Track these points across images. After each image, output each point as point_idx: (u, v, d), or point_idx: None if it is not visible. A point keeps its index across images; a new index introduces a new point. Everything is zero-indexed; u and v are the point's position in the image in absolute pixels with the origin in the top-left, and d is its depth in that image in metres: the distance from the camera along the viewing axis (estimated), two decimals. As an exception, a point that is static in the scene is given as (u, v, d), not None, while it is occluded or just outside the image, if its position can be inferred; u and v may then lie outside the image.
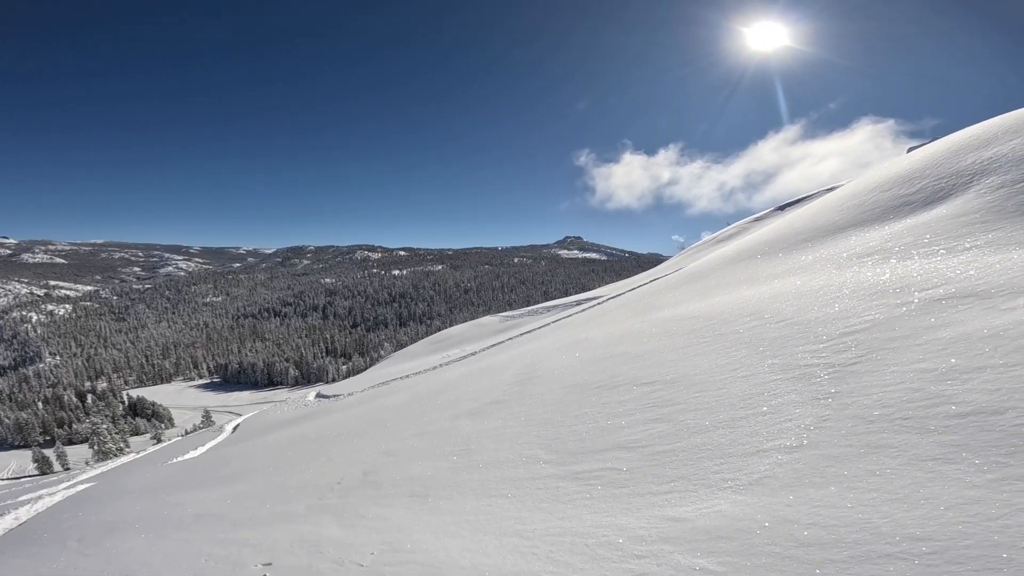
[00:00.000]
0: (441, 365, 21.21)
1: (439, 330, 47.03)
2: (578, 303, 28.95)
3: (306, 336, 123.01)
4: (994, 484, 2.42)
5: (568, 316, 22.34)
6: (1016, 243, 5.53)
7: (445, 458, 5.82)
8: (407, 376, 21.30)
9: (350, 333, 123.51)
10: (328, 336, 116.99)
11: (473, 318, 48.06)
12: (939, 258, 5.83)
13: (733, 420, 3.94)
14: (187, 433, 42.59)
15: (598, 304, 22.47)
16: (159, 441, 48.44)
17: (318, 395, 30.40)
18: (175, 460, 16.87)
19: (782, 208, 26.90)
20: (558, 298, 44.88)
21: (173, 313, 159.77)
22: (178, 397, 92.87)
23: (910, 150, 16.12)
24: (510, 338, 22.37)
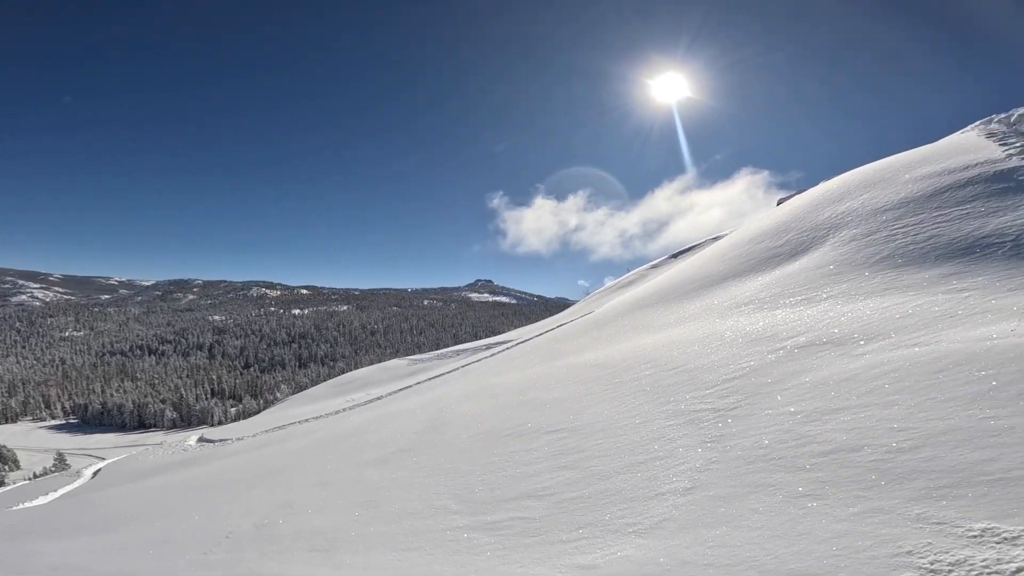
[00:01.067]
0: (345, 409, 20.14)
1: (343, 372, 44.68)
2: (488, 347, 29.01)
3: (187, 376, 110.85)
4: (857, 517, 2.67)
5: (478, 360, 22.28)
6: (864, 293, 6.42)
7: (350, 509, 5.47)
8: (307, 420, 19.99)
9: (241, 374, 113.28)
10: (214, 377, 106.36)
11: (380, 361, 46.35)
12: (802, 307, 6.62)
13: (634, 465, 4.09)
14: (35, 477, 37.40)
15: (507, 349, 22.67)
16: (1, 484, 41.10)
17: (201, 439, 27.42)
18: (20, 506, 14.59)
19: (675, 256, 29.26)
20: (468, 341, 44.63)
21: (23, 347, 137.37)
22: (26, 438, 79.13)
23: (779, 202, 18.32)
24: (418, 382, 21.81)
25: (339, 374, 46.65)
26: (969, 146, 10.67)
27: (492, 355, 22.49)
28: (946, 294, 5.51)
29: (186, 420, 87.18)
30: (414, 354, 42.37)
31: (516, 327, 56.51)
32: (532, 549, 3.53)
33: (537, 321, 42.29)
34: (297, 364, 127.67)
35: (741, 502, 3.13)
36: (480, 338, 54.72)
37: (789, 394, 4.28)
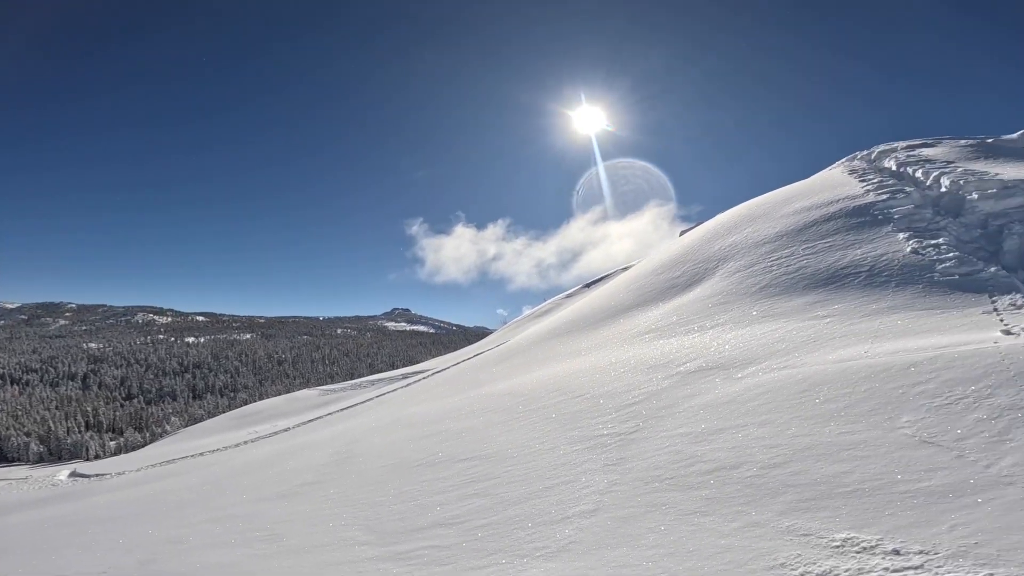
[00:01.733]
0: (247, 442, 18.62)
1: (246, 404, 41.39)
2: (404, 376, 28.29)
3: (56, 408, 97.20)
4: (739, 532, 2.87)
5: (393, 391, 21.64)
6: (746, 321, 7.04)
7: (249, 544, 5.03)
8: (202, 454, 18.23)
9: (122, 406, 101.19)
10: (89, 408, 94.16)
11: (288, 391, 43.51)
12: (694, 335, 7.14)
13: (542, 490, 4.16)
14: None
15: (424, 378, 22.24)
16: None
17: (74, 474, 24.06)
18: None
19: (588, 285, 30.48)
20: (384, 371, 43.26)
21: None
22: None
23: (681, 233, 19.72)
24: (330, 413, 20.73)
25: (240, 405, 43.18)
26: (835, 182, 12.14)
27: (408, 385, 21.95)
28: (811, 320, 6.20)
29: (55, 454, 76.51)
30: (326, 384, 40.28)
31: (434, 356, 55.66)
32: (442, 578, 3.46)
33: (456, 350, 41.92)
34: (191, 395, 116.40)
35: (640, 522, 3.27)
36: (397, 367, 53.27)
37: (680, 417, 4.57)
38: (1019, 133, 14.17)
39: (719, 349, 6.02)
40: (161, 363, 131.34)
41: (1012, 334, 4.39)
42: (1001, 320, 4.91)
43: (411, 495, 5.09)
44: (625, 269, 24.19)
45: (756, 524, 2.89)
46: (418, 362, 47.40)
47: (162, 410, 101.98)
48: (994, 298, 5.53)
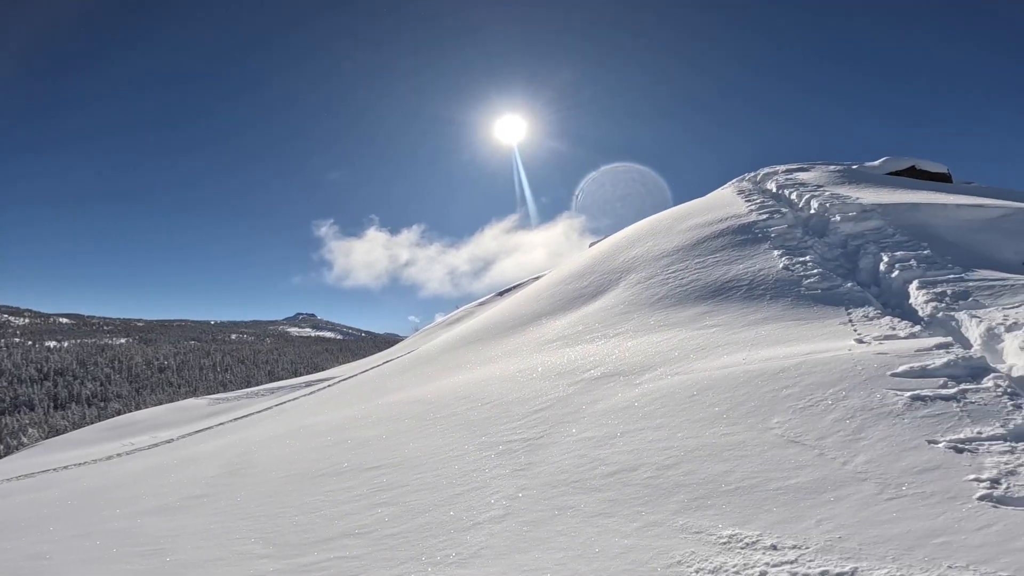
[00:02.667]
0: (122, 454, 16.64)
1: (119, 414, 36.95)
2: (308, 384, 26.84)
3: None
4: (639, 531, 3.03)
5: (295, 399, 20.43)
6: (645, 329, 7.49)
7: (127, 560, 4.48)
8: (66, 467, 16.00)
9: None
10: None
11: (172, 400, 39.49)
12: (598, 343, 7.48)
13: (452, 497, 4.13)
14: None
15: (329, 386, 21.25)
16: None
17: None
18: None
19: (501, 294, 30.90)
20: (286, 379, 40.68)
21: None
22: None
23: (591, 244, 20.64)
24: (221, 423, 19.09)
25: (113, 416, 38.54)
26: (725, 201, 13.30)
27: (312, 393, 20.84)
28: (700, 330, 6.75)
29: None
30: (218, 393, 37.12)
31: (342, 363, 53.41)
32: (350, 591, 3.33)
33: (364, 357, 40.49)
34: (52, 405, 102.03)
35: (548, 525, 3.35)
36: (300, 375, 50.36)
37: (585, 421, 4.77)
38: (880, 160, 16.44)
39: (620, 356, 6.37)
40: (16, 369, 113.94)
41: (864, 343, 5.06)
42: (855, 330, 5.65)
43: (314, 506, 4.85)
44: (537, 278, 24.82)
45: (654, 524, 3.07)
46: (324, 369, 45.18)
47: (18, 421, 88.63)
48: (850, 310, 6.35)
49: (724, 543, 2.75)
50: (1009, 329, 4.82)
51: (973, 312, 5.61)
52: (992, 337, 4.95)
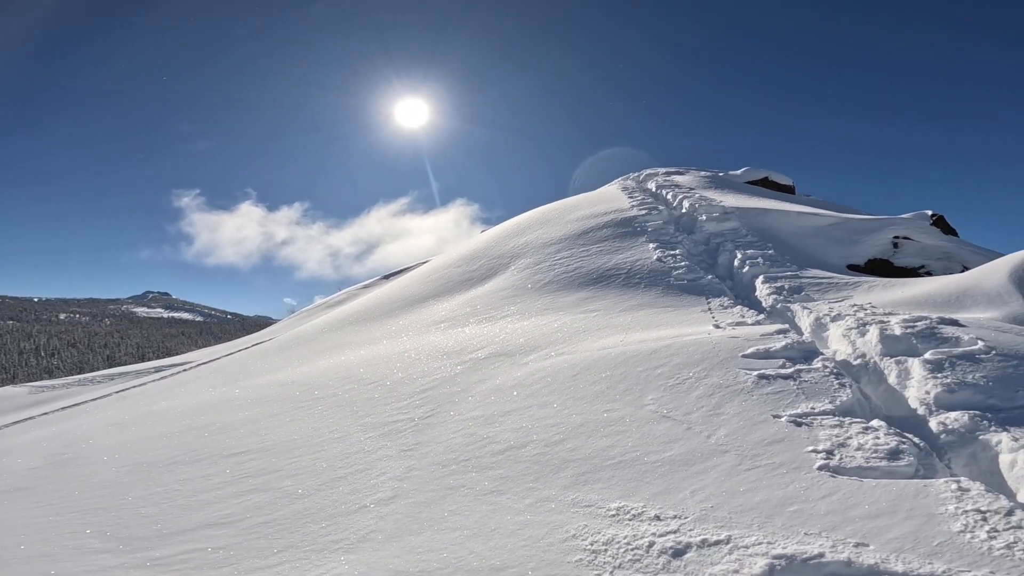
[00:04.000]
0: None
1: None
2: (158, 370, 23.76)
3: None
4: (532, 507, 3.06)
5: (140, 385, 17.96)
6: (531, 312, 7.71)
7: None
8: None
9: None
10: None
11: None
12: (486, 324, 7.55)
13: (333, 481, 3.89)
14: None
15: (184, 371, 19.02)
16: None
17: None
18: None
19: (387, 277, 29.87)
20: (130, 364, 35.64)
21: None
22: None
23: (483, 231, 20.70)
24: (45, 413, 16.20)
25: None
26: (610, 196, 14.10)
27: (162, 378, 18.51)
28: (583, 314, 7.12)
29: None
30: (41, 380, 31.48)
31: (202, 347, 48.12)
32: (222, 579, 2.98)
33: (229, 340, 36.93)
34: None
35: (440, 505, 3.29)
36: (149, 360, 44.48)
37: (473, 400, 4.77)
38: (741, 170, 18.50)
39: (507, 338, 6.48)
40: None
41: (720, 328, 5.68)
42: (713, 317, 6.32)
43: (166, 496, 4.29)
44: (424, 263, 24.40)
45: (546, 499, 3.13)
46: (178, 353, 40.35)
47: None
48: (709, 300, 7.09)
49: (613, 515, 2.87)
50: (833, 319, 5.72)
51: (805, 304, 6.56)
52: (820, 326, 5.83)
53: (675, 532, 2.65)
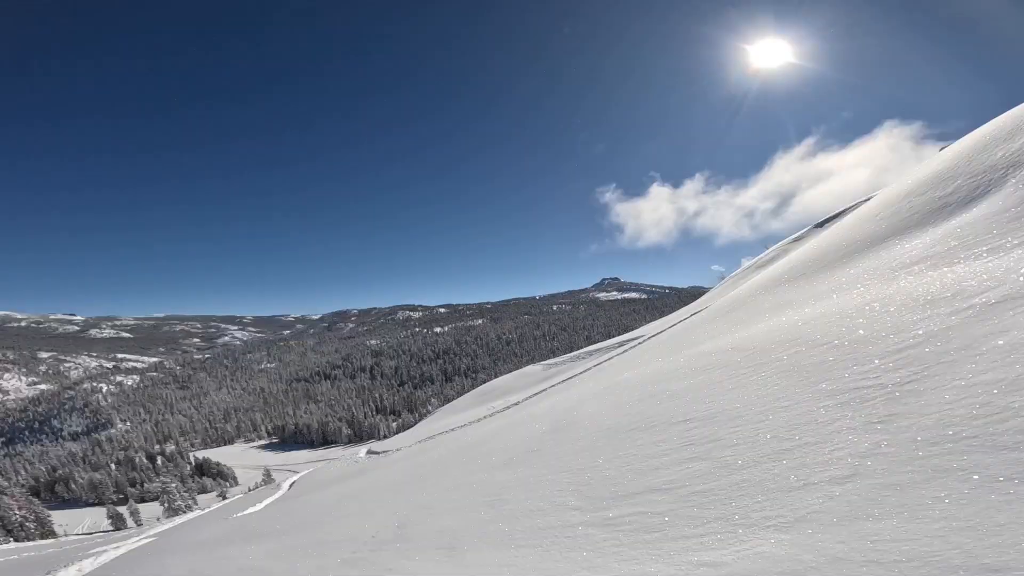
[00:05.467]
0: (485, 417, 21.04)
1: (484, 383, 46.97)
2: (620, 344, 28.36)
3: (356, 396, 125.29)
4: None
5: (609, 359, 21.87)
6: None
7: (476, 509, 5.70)
8: (452, 430, 21.26)
9: (398, 391, 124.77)
10: (377, 395, 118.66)
11: (517, 368, 47.74)
12: (987, 259, 5.37)
13: (776, 453, 3.62)
14: (250, 490, 45.08)
15: (638, 344, 21.93)
16: (224, 498, 50.90)
17: (369, 451, 30.58)
18: (237, 515, 17.48)
19: (820, 225, 25.93)
20: (601, 341, 44.06)
21: (232, 380, 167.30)
22: (241, 457, 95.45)
23: (941, 149, 15.39)
24: (552, 385, 22.00)
25: (481, 384, 49.15)
26: None
27: (623, 351, 21.91)
28: None
29: (358, 435, 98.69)
30: (549, 359, 42.93)
31: (649, 322, 54.49)
32: (651, 545, 3.28)
33: (670, 313, 40.38)
34: (444, 379, 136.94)
35: (919, 489, 2.59)
36: (613, 336, 53.66)
37: (982, 360, 3.46)
38: None
39: (1033, 272, 4.41)
40: (420, 352, 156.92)
41: None
42: None
43: (623, 460, 4.98)
44: (866, 200, 19.88)
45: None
46: (632, 329, 46.94)
47: (424, 393, 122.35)
48: None
49: None
50: None
51: None
52: None
53: None
